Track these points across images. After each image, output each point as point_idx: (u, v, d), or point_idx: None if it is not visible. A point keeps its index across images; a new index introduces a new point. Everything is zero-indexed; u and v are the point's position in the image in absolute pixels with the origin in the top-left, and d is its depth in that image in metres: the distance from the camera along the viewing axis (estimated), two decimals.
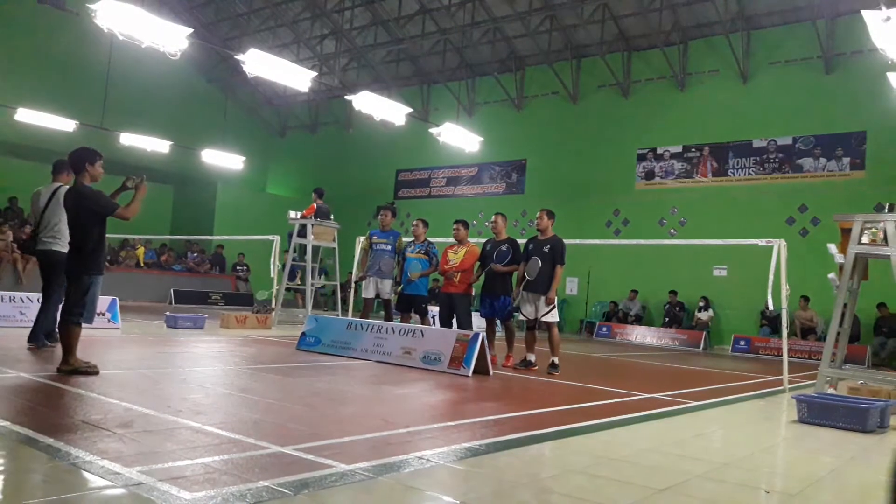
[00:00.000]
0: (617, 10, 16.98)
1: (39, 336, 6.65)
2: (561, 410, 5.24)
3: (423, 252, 8.73)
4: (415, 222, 8.98)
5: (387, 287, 8.97)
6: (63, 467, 2.74)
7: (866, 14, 7.11)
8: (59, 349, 5.39)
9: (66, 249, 6.16)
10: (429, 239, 8.92)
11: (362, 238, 9.68)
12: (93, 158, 5.48)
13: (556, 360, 7.57)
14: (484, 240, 8.57)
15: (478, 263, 8.27)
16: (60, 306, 5.92)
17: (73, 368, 5.08)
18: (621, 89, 17.92)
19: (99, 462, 2.79)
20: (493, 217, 8.40)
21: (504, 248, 8.03)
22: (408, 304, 8.74)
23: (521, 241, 8.30)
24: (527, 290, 7.70)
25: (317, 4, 20.52)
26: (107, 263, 8.83)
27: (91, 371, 5.08)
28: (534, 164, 19.50)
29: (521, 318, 7.93)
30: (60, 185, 6.73)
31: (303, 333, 8.34)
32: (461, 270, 8.18)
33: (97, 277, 5.30)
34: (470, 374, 6.65)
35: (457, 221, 8.56)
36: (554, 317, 7.71)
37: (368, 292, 8.99)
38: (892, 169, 14.00)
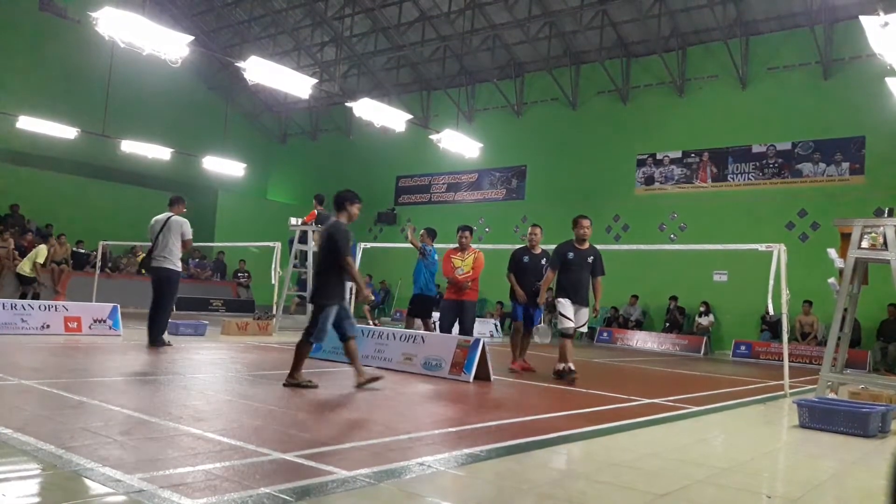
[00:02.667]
0: (616, 17, 17.05)
1: (157, 339, 7.97)
2: (562, 416, 5.24)
3: (421, 253, 9.13)
4: (423, 232, 9.34)
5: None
6: (64, 474, 2.74)
7: (864, 20, 7.14)
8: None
9: (173, 267, 8.07)
10: (433, 245, 9.25)
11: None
12: (353, 199, 5.89)
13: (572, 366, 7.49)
14: (484, 245, 8.62)
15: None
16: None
17: (296, 382, 5.50)
18: (620, 95, 17.96)
19: (100, 469, 2.80)
20: (534, 229, 8.41)
21: (544, 261, 8.20)
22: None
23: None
24: (572, 300, 7.51)
25: (317, 12, 20.61)
26: (108, 270, 9.11)
27: (311, 386, 5.50)
28: (534, 169, 19.53)
29: (570, 325, 7.48)
30: (172, 216, 8.24)
31: None
32: (473, 279, 8.30)
33: (330, 307, 5.65)
34: (471, 379, 6.65)
35: (465, 228, 8.54)
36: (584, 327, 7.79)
37: None
38: (891, 173, 14.02)
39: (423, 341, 7.34)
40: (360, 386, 5.64)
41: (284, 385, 5.53)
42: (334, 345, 7.99)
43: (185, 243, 8.22)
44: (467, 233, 8.49)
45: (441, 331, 8.38)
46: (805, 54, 15.43)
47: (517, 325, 8.35)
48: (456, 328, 8.57)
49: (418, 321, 9.17)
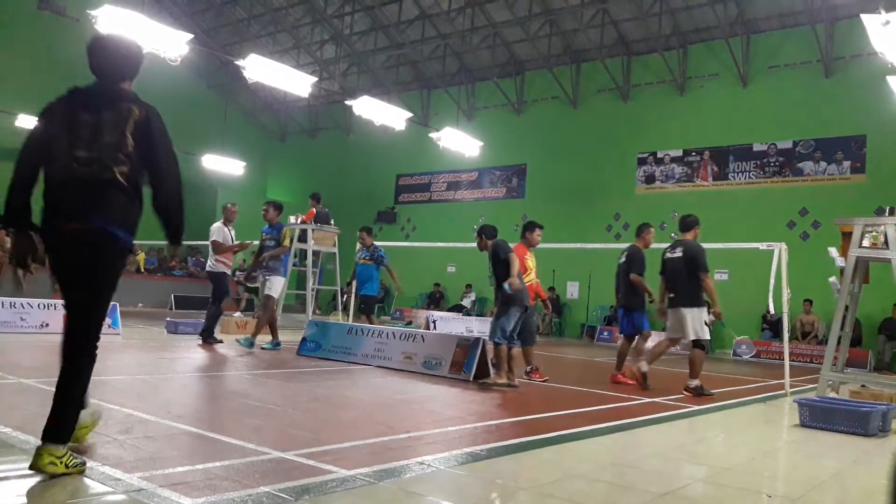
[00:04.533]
0: (616, 15, 17.02)
1: (205, 336, 8.63)
2: (562, 415, 5.23)
3: (368, 258, 9.48)
4: (359, 232, 9.63)
5: (273, 284, 8.52)
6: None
7: (865, 18, 7.12)
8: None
9: (210, 269, 8.83)
10: (376, 244, 9.75)
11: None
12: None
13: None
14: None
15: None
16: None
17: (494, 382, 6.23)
18: (621, 93, 17.94)
19: (100, 468, 2.79)
20: (651, 228, 8.03)
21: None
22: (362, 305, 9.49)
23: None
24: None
25: (317, 10, 20.58)
26: None
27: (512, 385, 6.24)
28: (534, 168, 19.51)
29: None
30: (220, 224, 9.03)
31: (303, 338, 8.33)
32: None
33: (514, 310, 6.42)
34: (471, 378, 6.65)
35: (541, 226, 7.63)
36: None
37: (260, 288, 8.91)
38: (892, 172, 13.99)
39: (423, 340, 7.34)
40: (494, 385, 6.23)
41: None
42: (334, 343, 8.00)
43: (211, 246, 8.91)
44: (540, 231, 7.63)
45: (518, 340, 7.25)
46: (806, 53, 15.40)
47: (646, 333, 7.84)
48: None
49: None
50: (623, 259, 7.87)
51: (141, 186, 2.86)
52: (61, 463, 2.64)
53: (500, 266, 6.45)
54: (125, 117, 2.80)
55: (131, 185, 2.79)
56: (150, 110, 2.88)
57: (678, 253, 7.06)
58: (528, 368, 7.23)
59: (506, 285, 6.26)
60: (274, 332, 8.67)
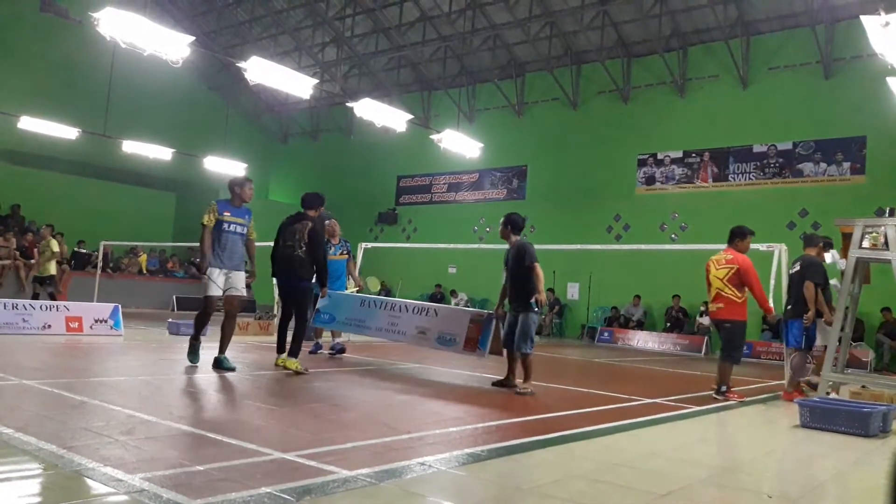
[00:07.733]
0: (616, 17, 17.04)
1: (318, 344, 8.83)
2: (563, 416, 5.24)
3: (345, 252, 8.45)
4: (331, 220, 8.32)
5: (239, 281, 6.71)
6: (66, 474, 2.75)
7: (865, 19, 7.13)
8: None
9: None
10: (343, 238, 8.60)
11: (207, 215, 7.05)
12: None
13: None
14: (486, 246, 8.37)
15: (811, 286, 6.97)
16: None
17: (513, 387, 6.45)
18: (621, 95, 17.96)
19: (101, 469, 2.80)
20: (829, 249, 7.51)
21: None
22: None
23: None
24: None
25: (318, 12, 20.62)
26: (109, 270, 9.03)
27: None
28: (535, 169, 19.53)
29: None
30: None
31: (317, 310, 8.06)
32: None
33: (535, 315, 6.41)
34: (486, 354, 6.61)
35: (750, 231, 6.86)
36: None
37: (214, 289, 6.60)
38: (892, 173, 14.00)
39: (437, 315, 7.21)
40: (524, 392, 6.11)
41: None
42: (347, 315, 7.84)
43: None
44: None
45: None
46: (806, 54, 15.41)
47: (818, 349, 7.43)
48: None
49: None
50: (797, 268, 7.20)
51: (312, 256, 6.67)
52: (296, 365, 6.41)
53: (522, 270, 6.21)
54: (304, 227, 6.73)
55: (307, 257, 6.68)
56: (315, 222, 6.76)
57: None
58: (724, 388, 6.78)
59: (532, 302, 6.08)
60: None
